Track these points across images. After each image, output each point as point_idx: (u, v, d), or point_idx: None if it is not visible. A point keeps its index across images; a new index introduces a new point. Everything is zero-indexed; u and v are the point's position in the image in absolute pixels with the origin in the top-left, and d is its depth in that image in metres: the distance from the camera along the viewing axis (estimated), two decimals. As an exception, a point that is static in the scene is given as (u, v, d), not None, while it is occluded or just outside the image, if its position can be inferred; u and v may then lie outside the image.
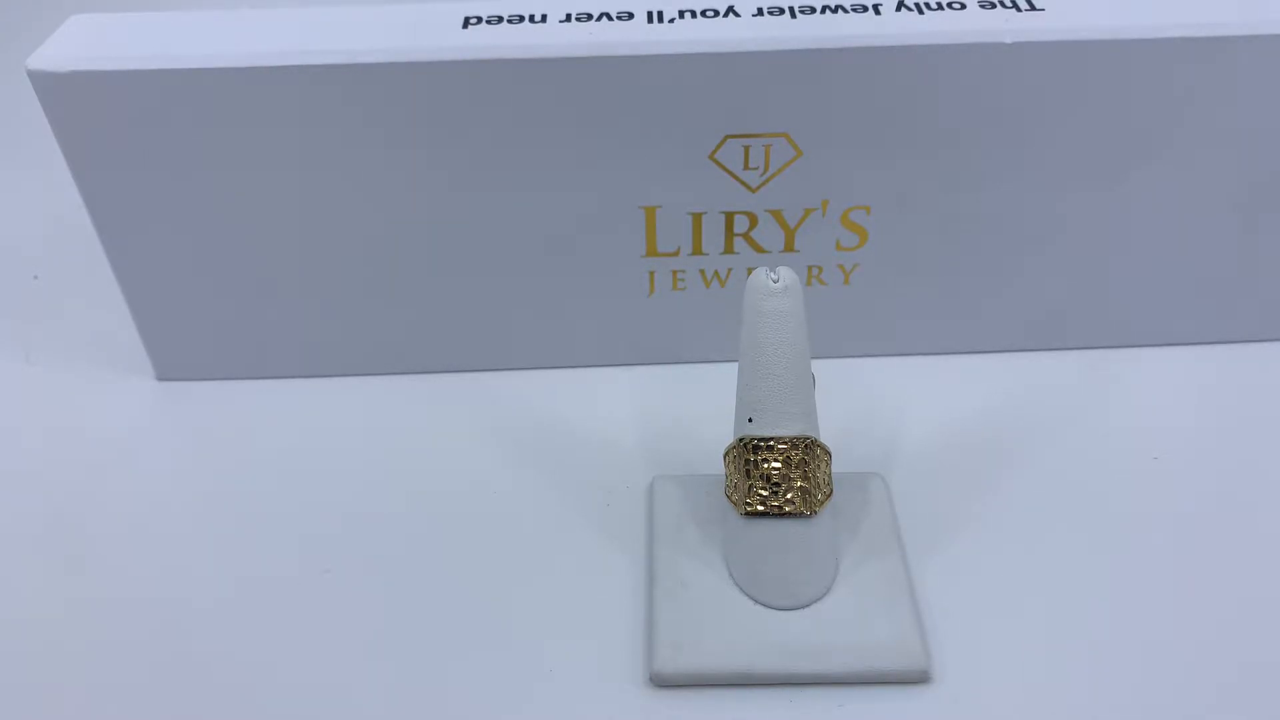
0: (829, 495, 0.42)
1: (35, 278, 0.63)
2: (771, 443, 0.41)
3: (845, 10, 0.47)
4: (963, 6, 0.47)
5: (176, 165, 0.47)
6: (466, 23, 0.47)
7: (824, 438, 0.42)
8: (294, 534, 0.47)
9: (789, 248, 0.51)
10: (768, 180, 0.49)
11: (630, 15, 0.47)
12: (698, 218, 0.50)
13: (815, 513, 0.41)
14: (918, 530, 0.45)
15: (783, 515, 0.41)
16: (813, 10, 0.47)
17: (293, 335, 0.53)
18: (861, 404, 0.52)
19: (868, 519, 0.45)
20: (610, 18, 0.47)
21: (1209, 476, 0.48)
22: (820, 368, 0.42)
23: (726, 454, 0.43)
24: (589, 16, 0.47)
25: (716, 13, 0.47)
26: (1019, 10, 0.46)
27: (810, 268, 0.52)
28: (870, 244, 0.51)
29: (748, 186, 0.49)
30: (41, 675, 0.42)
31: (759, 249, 0.51)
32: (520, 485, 0.48)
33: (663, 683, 0.40)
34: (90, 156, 0.47)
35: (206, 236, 0.50)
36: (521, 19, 0.47)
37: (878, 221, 0.50)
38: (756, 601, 0.42)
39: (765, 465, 0.41)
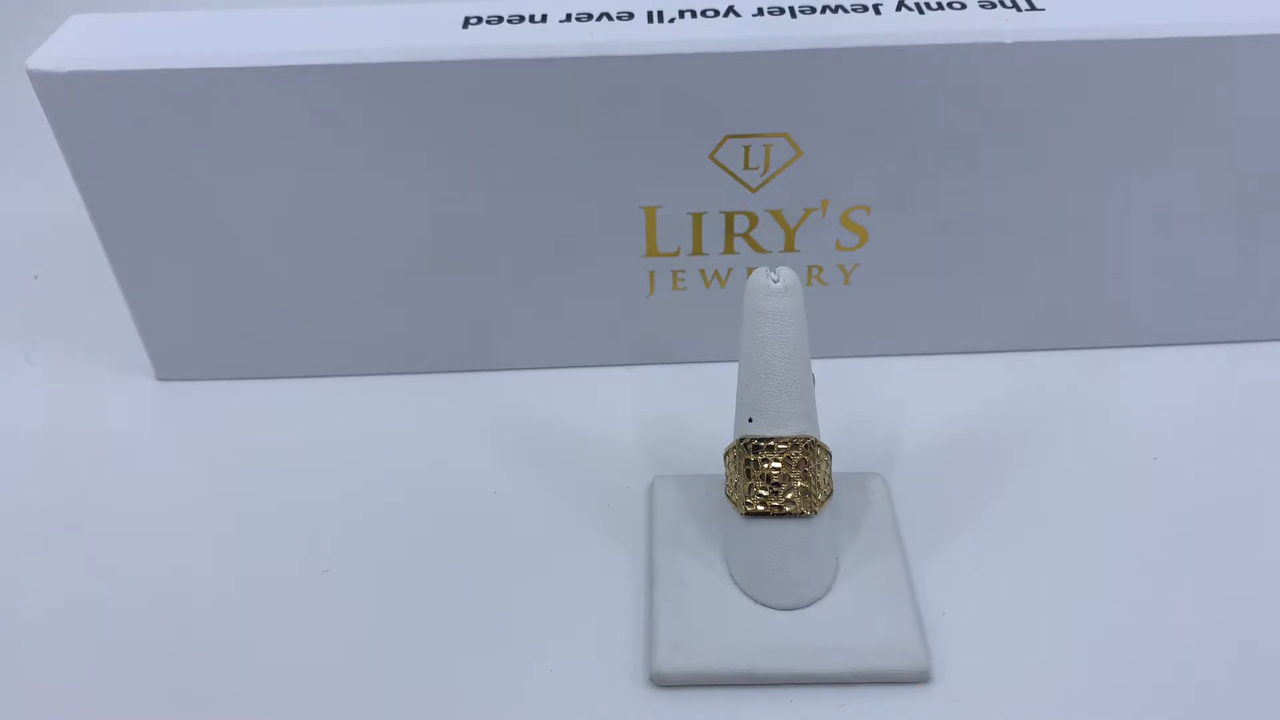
0: (829, 495, 0.42)
1: (35, 278, 0.63)
2: (771, 443, 0.41)
3: (845, 10, 0.47)
4: (963, 6, 0.47)
5: (176, 165, 0.47)
6: (466, 23, 0.47)
7: (824, 438, 0.42)
8: (293, 534, 0.47)
9: (789, 248, 0.51)
10: (768, 180, 0.49)
11: (630, 15, 0.47)
12: (698, 218, 0.50)
13: (815, 513, 0.41)
14: (918, 530, 0.45)
15: (783, 515, 0.41)
16: (813, 10, 0.47)
17: (292, 335, 0.53)
18: (861, 404, 0.52)
19: (868, 519, 0.45)
20: (610, 18, 0.47)
21: (1209, 476, 0.48)
22: (820, 368, 0.43)
23: (726, 454, 0.43)
24: (589, 16, 0.47)
25: (716, 13, 0.47)
26: (1019, 10, 0.46)
27: (810, 268, 0.52)
28: (870, 244, 0.51)
29: (748, 186, 0.49)
30: (41, 675, 0.42)
31: (759, 249, 0.51)
32: (520, 485, 0.48)
33: (663, 683, 0.40)
34: (90, 156, 0.47)
35: (206, 236, 0.50)
36: (521, 19, 0.47)
37: (878, 221, 0.50)
38: (756, 601, 0.42)
39: (765, 465, 0.41)
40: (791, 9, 0.47)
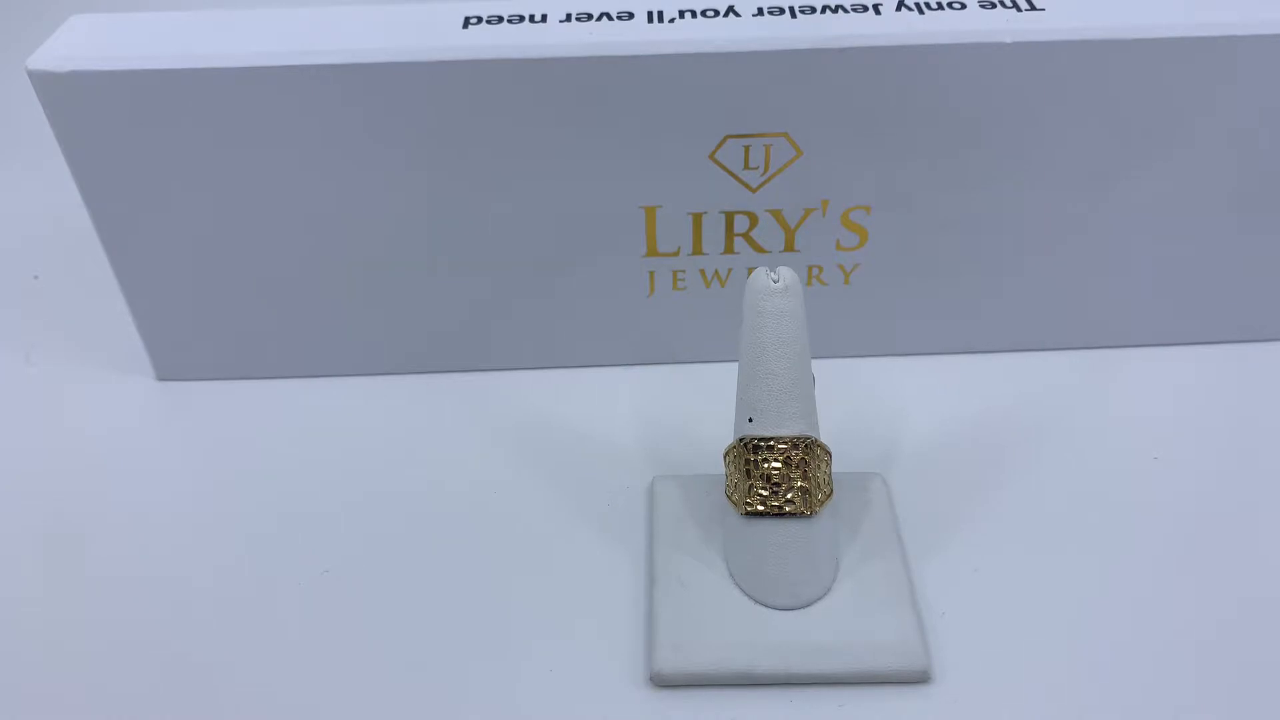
0: (829, 495, 0.42)
1: (35, 278, 0.63)
2: (771, 443, 0.41)
3: (845, 10, 0.47)
4: (963, 6, 0.47)
5: (176, 165, 0.47)
6: (466, 23, 0.47)
7: (824, 438, 0.42)
8: (294, 533, 0.47)
9: (789, 248, 0.51)
10: (768, 180, 0.49)
11: (630, 15, 0.47)
12: (698, 218, 0.50)
13: (815, 513, 0.41)
14: (918, 530, 0.45)
15: (783, 515, 0.41)
16: (813, 10, 0.47)
17: (293, 335, 0.53)
18: (861, 404, 0.52)
19: (868, 519, 0.45)
20: (610, 18, 0.47)
21: (1209, 476, 0.48)
22: (820, 368, 0.42)
23: (726, 454, 0.43)
24: (589, 16, 0.47)
25: (716, 13, 0.47)
26: (1019, 10, 0.47)
27: (810, 268, 0.52)
28: (870, 244, 0.51)
29: (748, 186, 0.49)
30: (41, 675, 0.42)
31: (759, 249, 0.51)
32: (520, 485, 0.48)
33: (663, 683, 0.40)
34: (90, 156, 0.47)
35: (206, 236, 0.50)
36: (521, 19, 0.47)
37: (878, 221, 0.50)
38: (756, 601, 0.42)
39: (765, 465, 0.41)
40: (791, 9, 0.47)
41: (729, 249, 0.51)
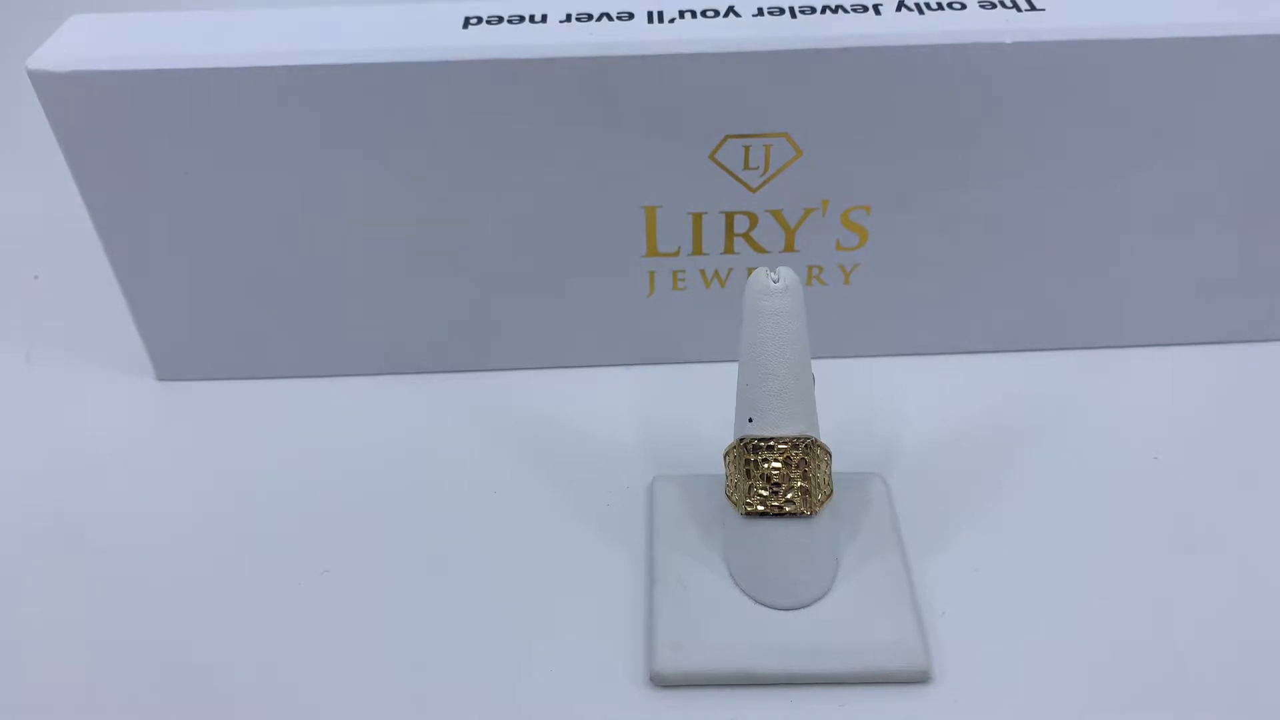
0: (829, 495, 0.42)
1: (35, 278, 0.63)
2: (772, 443, 0.41)
3: (845, 10, 0.47)
4: (963, 6, 0.47)
5: (176, 165, 0.47)
6: (466, 23, 0.47)
7: (824, 438, 0.42)
8: (294, 533, 0.47)
9: (789, 248, 0.51)
10: (768, 180, 0.49)
11: (630, 15, 0.47)
12: (698, 218, 0.50)
13: (815, 513, 0.41)
14: (918, 530, 0.45)
15: (783, 515, 0.41)
16: (813, 10, 0.47)
17: (293, 335, 0.53)
18: (861, 404, 0.52)
19: (868, 519, 0.45)
20: (610, 18, 0.47)
21: (1209, 476, 0.48)
22: (820, 368, 0.42)
23: (726, 454, 0.43)
24: (589, 16, 0.47)
25: (716, 13, 0.47)
26: (1019, 10, 0.47)
27: (810, 268, 0.52)
28: (870, 244, 0.51)
29: (748, 186, 0.49)
30: (40, 675, 0.42)
31: (759, 249, 0.51)
32: (520, 485, 0.48)
33: (663, 683, 0.40)
34: (90, 156, 0.47)
35: (206, 236, 0.50)
36: (521, 19, 0.47)
37: (878, 221, 0.50)
38: (756, 601, 0.42)
39: (765, 465, 0.41)
40: (791, 9, 0.47)
41: (729, 249, 0.51)
